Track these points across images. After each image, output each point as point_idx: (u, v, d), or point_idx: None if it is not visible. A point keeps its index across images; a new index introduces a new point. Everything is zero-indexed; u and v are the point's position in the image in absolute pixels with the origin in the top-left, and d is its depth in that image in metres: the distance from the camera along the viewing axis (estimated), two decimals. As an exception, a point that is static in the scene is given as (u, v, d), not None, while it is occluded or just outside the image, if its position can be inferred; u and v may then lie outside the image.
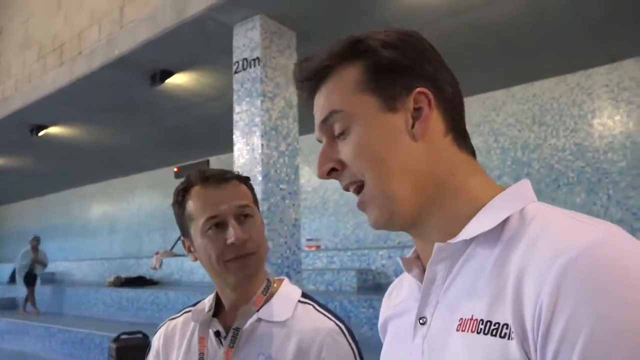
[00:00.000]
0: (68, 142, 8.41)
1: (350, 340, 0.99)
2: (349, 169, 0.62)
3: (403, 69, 0.61)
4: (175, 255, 8.64)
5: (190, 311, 1.11)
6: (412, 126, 0.60)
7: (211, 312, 1.05)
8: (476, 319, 0.53)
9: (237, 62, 4.34)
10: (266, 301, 1.03)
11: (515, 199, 0.58)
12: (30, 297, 8.91)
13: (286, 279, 1.12)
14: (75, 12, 6.29)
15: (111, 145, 8.70)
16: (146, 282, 8.27)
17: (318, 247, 7.43)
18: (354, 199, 0.65)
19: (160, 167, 10.52)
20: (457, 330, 0.54)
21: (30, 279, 8.97)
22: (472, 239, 0.57)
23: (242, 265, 0.99)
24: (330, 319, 1.01)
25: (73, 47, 6.15)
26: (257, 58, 4.18)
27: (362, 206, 0.63)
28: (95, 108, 6.79)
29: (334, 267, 6.39)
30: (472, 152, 0.64)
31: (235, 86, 4.35)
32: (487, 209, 0.58)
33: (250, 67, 4.21)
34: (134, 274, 8.73)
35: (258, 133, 4.11)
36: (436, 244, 0.58)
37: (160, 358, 1.09)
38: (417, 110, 0.60)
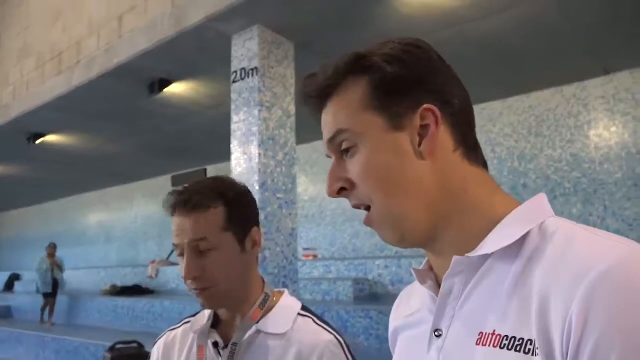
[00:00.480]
0: (66, 151, 8.41)
1: (349, 355, 0.99)
2: (357, 189, 0.61)
3: (408, 84, 0.60)
4: (172, 264, 8.61)
5: (189, 322, 1.11)
6: (419, 144, 0.59)
7: (210, 323, 1.05)
8: (499, 334, 0.52)
9: (236, 71, 4.36)
10: (265, 314, 1.03)
11: (534, 213, 0.58)
12: (51, 307, 8.47)
13: (286, 292, 1.12)
14: (75, 21, 6.32)
15: (109, 154, 8.70)
16: (142, 291, 8.22)
17: (315, 256, 7.42)
18: (351, 209, 0.64)
19: (158, 176, 10.52)
20: (478, 344, 0.53)
21: (54, 288, 8.57)
22: (488, 256, 0.56)
23: (200, 297, 0.99)
24: (330, 333, 1.01)
25: (72, 56, 6.17)
26: (255, 68, 4.20)
27: (369, 225, 0.62)
28: (93, 116, 6.80)
29: (330, 277, 6.37)
30: (484, 164, 0.63)
31: (233, 96, 4.36)
32: (505, 223, 0.57)
33: (249, 77, 4.24)
34: (130, 282, 8.69)
35: (255, 142, 4.12)
36: (455, 258, 0.57)
37: None
38: (424, 127, 0.59)
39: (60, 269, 8.81)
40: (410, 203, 0.59)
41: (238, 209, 1.02)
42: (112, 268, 10.24)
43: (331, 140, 0.63)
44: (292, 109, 4.42)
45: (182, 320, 1.15)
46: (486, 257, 0.56)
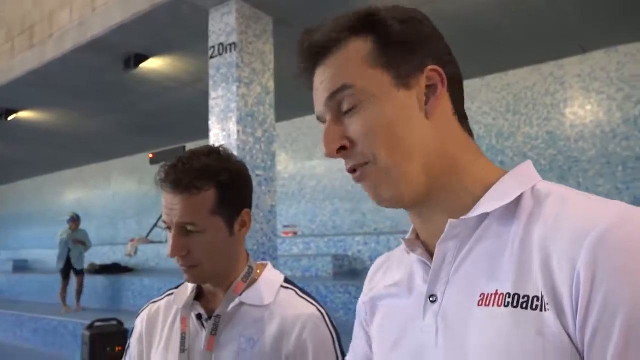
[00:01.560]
0: (39, 127, 8.21)
1: (331, 327, 1.01)
2: (358, 147, 0.60)
3: (415, 44, 0.60)
4: (151, 242, 8.57)
5: (172, 294, 1.11)
6: (426, 103, 0.59)
7: (193, 295, 1.06)
8: (502, 293, 0.52)
9: (213, 47, 4.29)
10: (248, 286, 1.04)
11: (525, 177, 0.59)
12: (78, 288, 7.13)
13: (269, 265, 1.13)
14: (46, -8, 6.11)
15: (84, 131, 8.53)
16: (121, 269, 8.18)
17: (295, 233, 7.46)
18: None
19: (136, 154, 10.37)
20: (480, 305, 0.54)
21: (69, 267, 7.23)
22: (484, 217, 0.57)
23: (186, 274, 1.00)
24: (313, 305, 1.03)
25: (44, 30, 5.98)
26: (234, 43, 4.14)
27: (361, 179, 0.61)
28: (68, 92, 6.63)
29: (310, 254, 6.42)
30: (472, 134, 0.65)
31: (211, 71, 4.30)
32: (497, 187, 0.58)
33: (226, 52, 4.17)
34: (108, 261, 8.63)
35: (234, 119, 4.08)
36: (450, 221, 0.57)
37: (143, 340, 1.09)
38: (430, 87, 0.60)
39: (83, 244, 7.50)
40: (411, 161, 0.59)
41: (230, 192, 1.00)
42: (91, 246, 10.14)
43: (332, 96, 0.60)
44: (271, 85, 4.38)
45: (165, 293, 1.16)
46: (481, 220, 0.57)
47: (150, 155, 8.83)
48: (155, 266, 8.21)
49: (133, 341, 1.12)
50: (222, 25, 4.24)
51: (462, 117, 0.63)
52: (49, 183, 12.63)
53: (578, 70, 5.85)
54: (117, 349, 3.88)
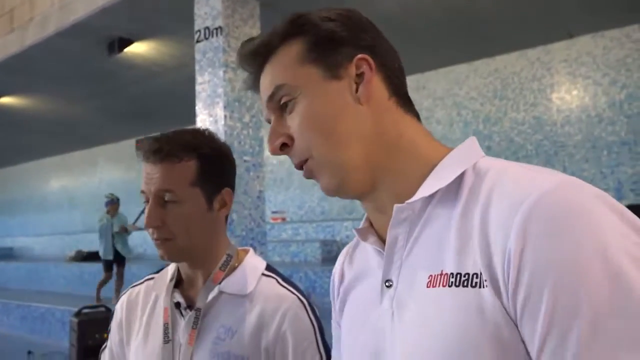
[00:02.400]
0: (22, 113, 8.07)
1: (312, 316, 0.99)
2: (297, 143, 0.63)
3: (342, 39, 0.62)
4: (139, 229, 8.52)
5: (152, 278, 1.10)
6: (357, 90, 0.61)
7: (172, 283, 1.04)
8: (446, 273, 0.53)
9: (199, 31, 4.22)
10: (227, 274, 1.03)
11: (466, 155, 0.60)
12: (119, 280, 6.34)
13: (251, 251, 1.11)
14: (26, -26, 5.96)
15: (69, 117, 8.40)
16: (109, 256, 8.13)
17: (283, 219, 7.46)
18: None
19: (122, 140, 10.26)
20: (428, 287, 0.55)
21: (118, 257, 6.45)
22: (430, 199, 0.58)
23: (158, 247, 0.98)
24: (294, 294, 1.00)
25: (24, 13, 5.84)
26: (220, 27, 4.08)
27: (308, 175, 0.64)
28: (51, 78, 6.51)
29: (299, 239, 6.44)
30: (417, 116, 0.66)
31: (197, 56, 4.24)
32: (440, 167, 0.59)
33: (213, 36, 4.11)
34: (95, 248, 8.56)
35: (221, 104, 4.04)
36: (395, 205, 0.59)
37: (123, 327, 1.08)
38: (360, 76, 0.61)
39: (126, 230, 6.64)
40: (349, 150, 0.60)
41: (211, 166, 0.99)
42: (77, 234, 10.06)
43: (270, 99, 0.64)
44: (258, 70, 4.33)
45: (144, 277, 1.14)
46: (427, 203, 0.58)
47: (136, 143, 8.73)
48: (143, 252, 8.18)
49: (114, 326, 1.11)
50: (207, 9, 4.17)
51: (403, 100, 0.64)
52: (33, 170, 12.46)
53: (565, 55, 5.87)
54: (105, 335, 3.88)
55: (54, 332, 5.66)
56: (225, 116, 4.02)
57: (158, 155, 0.95)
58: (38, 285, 7.94)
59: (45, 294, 6.88)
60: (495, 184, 0.53)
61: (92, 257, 8.00)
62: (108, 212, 6.60)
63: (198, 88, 4.22)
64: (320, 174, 0.63)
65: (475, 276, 0.51)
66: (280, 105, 0.63)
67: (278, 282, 1.02)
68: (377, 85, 0.62)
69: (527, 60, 6.11)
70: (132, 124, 8.96)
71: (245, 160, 4.11)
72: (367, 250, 0.68)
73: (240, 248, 1.09)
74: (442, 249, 0.55)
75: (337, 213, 7.37)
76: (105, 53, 5.45)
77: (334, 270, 0.77)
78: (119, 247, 6.45)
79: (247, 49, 0.66)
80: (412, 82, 6.93)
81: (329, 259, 5.80)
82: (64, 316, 5.42)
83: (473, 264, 0.51)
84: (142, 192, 0.97)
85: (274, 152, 0.66)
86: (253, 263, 1.06)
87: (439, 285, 0.54)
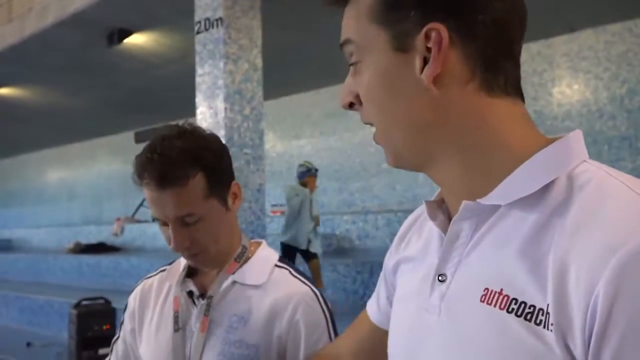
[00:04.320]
0: (21, 105, 8.03)
1: (324, 307, 1.00)
2: (363, 108, 0.57)
3: None
4: (138, 221, 8.51)
5: (165, 270, 1.10)
6: (422, 71, 0.51)
7: (184, 273, 1.04)
8: (507, 295, 0.47)
9: (199, 22, 4.20)
10: (241, 266, 1.03)
11: (564, 156, 0.50)
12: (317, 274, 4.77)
13: (264, 243, 1.11)
14: (24, -36, 5.91)
15: (68, 109, 8.37)
16: (107, 248, 8.13)
17: (283, 212, 7.45)
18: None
19: (121, 132, 10.23)
20: (482, 301, 0.48)
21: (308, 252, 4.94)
22: (523, 201, 0.49)
23: (189, 260, 0.99)
24: (306, 284, 1.02)
25: (23, 3, 5.81)
26: (220, 18, 4.05)
27: (376, 141, 0.58)
28: (49, 69, 6.48)
29: (298, 233, 6.42)
30: (514, 93, 0.55)
31: (198, 47, 4.22)
32: (526, 166, 0.50)
33: (213, 27, 4.08)
34: (94, 240, 8.57)
35: (221, 96, 4.02)
36: (464, 203, 0.52)
37: (135, 317, 1.09)
38: (429, 50, 0.50)
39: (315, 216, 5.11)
40: (403, 133, 0.54)
41: (216, 170, 0.96)
42: (76, 226, 10.06)
43: (341, 47, 0.57)
44: (259, 62, 4.31)
45: (158, 269, 1.14)
46: (496, 207, 0.51)
47: (135, 134, 8.72)
48: (142, 245, 8.18)
49: (126, 316, 1.12)
50: (208, 0, 4.14)
51: (494, 76, 0.52)
52: (32, 162, 12.43)
53: (566, 49, 5.86)
54: (104, 327, 3.87)
55: (53, 323, 5.66)
56: (225, 108, 4.00)
57: (163, 184, 0.90)
58: (37, 277, 7.94)
59: (44, 286, 6.88)
60: (591, 208, 0.44)
61: (90, 249, 8.00)
62: (305, 185, 5.03)
63: (198, 80, 4.20)
64: (382, 144, 0.57)
65: (540, 312, 0.44)
66: (351, 60, 0.56)
67: (291, 274, 1.03)
68: (454, 64, 0.51)
69: (528, 54, 6.09)
70: (131, 116, 8.94)
71: (245, 153, 4.10)
72: (431, 228, 0.62)
73: (252, 240, 1.10)
74: (504, 262, 0.48)
75: (337, 207, 7.37)
76: (104, 44, 5.41)
77: (404, 225, 0.71)
78: (311, 236, 4.96)
79: None
80: (413, 75, 6.91)
81: (329, 252, 5.80)
82: (62, 308, 5.42)
83: (542, 297, 0.44)
84: (156, 218, 0.94)
85: (343, 107, 0.59)
86: (266, 255, 1.07)
87: (494, 305, 0.47)
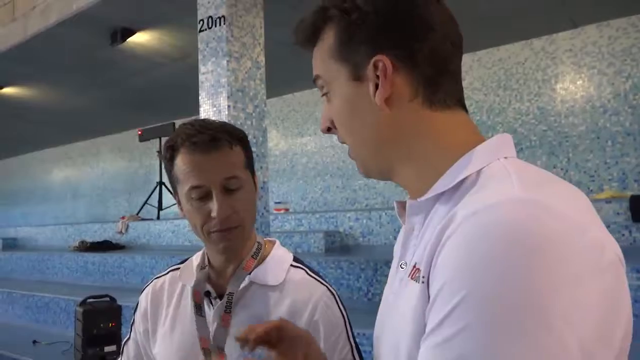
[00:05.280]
0: (24, 104, 8.05)
1: (342, 307, 1.00)
2: (337, 131, 0.69)
3: (369, 33, 0.61)
4: (142, 219, 8.53)
5: (176, 269, 1.10)
6: (374, 95, 0.61)
7: (206, 270, 1.04)
8: (418, 268, 0.58)
9: (202, 20, 4.20)
10: (258, 264, 1.03)
11: (481, 156, 0.59)
12: None
13: (277, 242, 1.11)
14: (27, -37, 5.92)
15: (71, 107, 8.38)
16: (112, 246, 8.16)
17: (286, 210, 7.46)
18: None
19: (124, 130, 10.24)
20: (409, 277, 0.59)
21: None
22: (441, 194, 0.60)
23: (224, 238, 0.98)
24: (323, 284, 1.02)
25: (26, 2, 5.81)
26: (223, 16, 4.05)
27: (351, 158, 0.70)
28: (52, 68, 6.49)
29: (302, 230, 6.44)
30: (457, 105, 0.66)
31: (200, 46, 4.22)
32: (455, 166, 0.59)
33: (216, 25, 4.09)
34: (99, 238, 8.59)
35: (224, 94, 4.03)
36: (408, 202, 0.63)
37: (148, 316, 1.08)
38: (379, 77, 0.61)
39: None
40: (366, 147, 0.65)
41: (249, 150, 1.06)
42: (81, 224, 10.09)
43: (314, 81, 0.69)
44: (262, 60, 4.31)
45: (168, 269, 1.14)
46: (437, 196, 0.60)
47: (139, 132, 8.72)
48: (147, 243, 8.20)
49: (138, 317, 1.11)
50: (210, -2, 4.15)
51: (434, 92, 0.62)
52: (36, 160, 12.47)
53: (569, 45, 5.83)
54: (110, 324, 3.89)
55: (58, 321, 5.69)
56: (228, 106, 4.01)
57: (214, 145, 0.95)
58: (42, 275, 7.98)
59: (50, 284, 6.91)
60: (472, 193, 0.54)
61: (95, 247, 8.03)
62: None
63: (201, 78, 4.20)
64: (354, 159, 0.69)
65: (418, 270, 0.56)
66: (323, 92, 0.68)
67: (307, 273, 1.04)
68: (400, 86, 0.61)
69: (531, 50, 6.07)
70: (134, 114, 8.95)
71: (248, 151, 4.10)
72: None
73: (266, 239, 1.10)
74: (426, 244, 0.57)
75: (340, 204, 7.37)
76: (107, 43, 5.42)
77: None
78: None
79: (297, 35, 0.69)
80: (416, 72, 6.89)
81: (332, 249, 5.80)
82: (68, 306, 5.45)
83: (420, 259, 0.56)
84: (197, 186, 0.95)
85: (323, 132, 0.71)
86: (281, 254, 1.07)
87: (412, 278, 0.58)
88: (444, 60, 0.64)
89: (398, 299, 0.61)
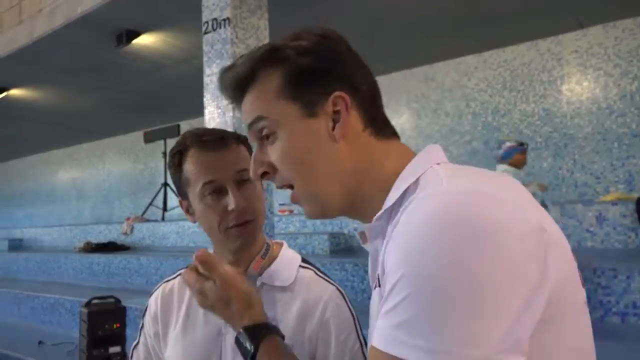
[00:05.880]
0: (31, 106, 8.10)
1: (350, 306, 1.01)
2: (279, 173, 0.67)
3: (319, 74, 0.64)
4: (147, 220, 8.56)
5: None
6: (333, 129, 0.64)
7: None
8: (378, 276, 0.61)
9: (207, 22, 4.21)
10: (266, 265, 1.03)
11: (419, 165, 0.63)
12: None
13: (285, 243, 1.12)
14: (34, -34, 5.96)
15: (77, 109, 8.43)
16: (117, 247, 8.18)
17: (291, 211, 7.46)
18: None
19: (130, 132, 10.28)
20: (373, 287, 0.64)
21: None
22: (390, 212, 0.62)
23: (241, 233, 0.98)
24: (332, 284, 1.03)
25: (33, 4, 5.85)
26: (227, 18, 4.06)
27: (294, 201, 0.69)
28: (58, 70, 6.53)
29: (306, 232, 6.44)
30: (393, 134, 0.69)
31: (205, 47, 4.23)
32: (397, 182, 0.63)
33: (220, 27, 4.10)
34: (104, 239, 8.63)
35: (229, 96, 4.03)
36: (366, 226, 0.66)
37: (159, 320, 1.08)
38: (336, 113, 0.64)
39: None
40: (326, 184, 0.65)
41: (252, 151, 1.10)
42: (86, 225, 10.13)
43: (251, 126, 0.68)
44: (266, 62, 4.32)
45: (176, 272, 1.14)
46: (389, 215, 0.62)
47: (144, 134, 8.76)
48: (151, 244, 8.22)
49: (148, 320, 1.11)
50: (215, 0, 4.16)
51: (378, 126, 0.67)
52: (42, 162, 12.53)
53: (575, 46, 5.80)
54: (115, 325, 3.90)
55: (64, 322, 5.71)
56: (233, 108, 4.01)
57: (222, 142, 0.99)
58: (48, 276, 8.01)
59: (55, 285, 6.94)
60: (413, 198, 0.57)
61: (100, 248, 8.06)
62: (516, 166, 3.96)
63: (206, 80, 4.21)
64: (303, 202, 0.68)
65: (379, 276, 0.59)
66: (261, 135, 0.67)
67: (316, 274, 1.05)
68: (353, 120, 0.65)
69: (537, 51, 6.05)
70: (140, 116, 8.98)
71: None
72: None
73: (273, 241, 1.11)
74: (386, 255, 0.59)
75: (345, 205, 7.36)
76: (113, 45, 5.44)
77: None
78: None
79: (227, 79, 0.69)
80: (421, 73, 6.87)
81: (337, 251, 5.80)
82: (73, 307, 5.47)
83: (380, 266, 0.59)
84: (210, 182, 0.97)
85: (255, 179, 0.70)
86: (290, 255, 1.08)
87: (376, 287, 0.62)
88: (377, 95, 0.69)
89: (371, 310, 0.64)
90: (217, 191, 0.97)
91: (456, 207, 0.51)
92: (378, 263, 0.63)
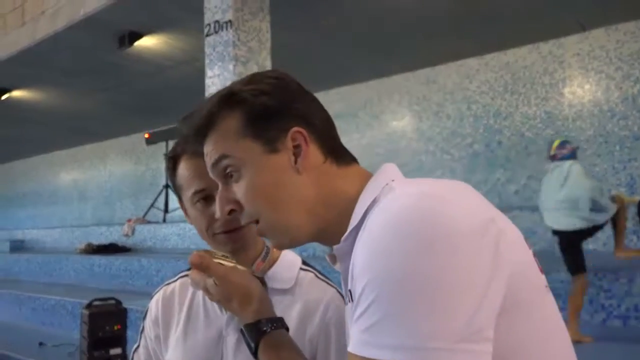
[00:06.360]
0: (33, 107, 8.13)
1: None
2: (246, 210, 0.70)
3: (276, 112, 0.68)
4: (148, 222, 8.57)
5: (185, 275, 1.10)
6: (295, 162, 0.68)
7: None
8: (350, 291, 0.63)
9: (209, 24, 4.22)
10: (267, 267, 1.03)
11: (377, 185, 0.67)
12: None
13: None
14: (36, -32, 5.98)
15: (78, 111, 8.45)
16: (118, 249, 8.19)
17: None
18: None
19: (131, 134, 10.30)
20: (346, 303, 0.67)
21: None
22: (355, 232, 0.64)
23: (230, 239, 0.98)
24: (333, 286, 1.03)
25: (35, 6, 5.87)
26: (229, 21, 4.07)
27: (260, 234, 0.72)
28: (61, 71, 6.55)
29: (307, 234, 6.45)
30: (352, 160, 0.74)
31: (207, 50, 4.24)
32: (358, 204, 0.67)
33: (222, 30, 4.11)
34: (105, 241, 8.64)
35: (231, 98, 4.04)
36: (334, 248, 0.69)
37: (159, 323, 1.08)
38: (297, 147, 0.68)
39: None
40: (292, 215, 0.68)
41: None
42: (87, 227, 10.15)
43: (215, 165, 0.71)
44: (268, 63, 4.32)
45: (177, 275, 1.15)
46: (354, 235, 0.64)
47: (146, 135, 8.77)
48: (152, 246, 8.23)
49: (148, 323, 1.11)
50: (217, 2, 4.17)
51: (336, 154, 0.71)
52: (44, 163, 12.56)
53: (577, 49, 5.80)
54: (115, 327, 3.90)
55: (64, 323, 5.71)
56: (234, 110, 4.02)
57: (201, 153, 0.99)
58: (49, 277, 8.02)
59: (56, 286, 6.95)
60: (371, 219, 0.60)
61: (102, 249, 8.06)
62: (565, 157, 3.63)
63: (208, 82, 4.22)
64: (270, 235, 0.72)
65: (350, 292, 0.62)
66: (225, 174, 0.71)
67: (316, 276, 1.05)
68: (313, 152, 0.69)
69: (538, 54, 6.05)
70: (141, 118, 8.99)
71: (254, 155, 4.11)
72: None
73: None
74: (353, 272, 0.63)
75: (346, 207, 7.37)
76: (115, 47, 5.46)
77: None
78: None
79: (187, 128, 0.73)
80: (423, 76, 6.87)
81: (338, 253, 5.80)
82: (74, 308, 5.48)
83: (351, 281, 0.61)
84: (201, 190, 0.97)
85: (223, 217, 0.73)
86: (290, 258, 1.08)
87: (347, 302, 0.67)
88: (331, 127, 0.74)
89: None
90: (207, 198, 0.97)
91: (408, 211, 0.55)
92: (348, 280, 0.65)
